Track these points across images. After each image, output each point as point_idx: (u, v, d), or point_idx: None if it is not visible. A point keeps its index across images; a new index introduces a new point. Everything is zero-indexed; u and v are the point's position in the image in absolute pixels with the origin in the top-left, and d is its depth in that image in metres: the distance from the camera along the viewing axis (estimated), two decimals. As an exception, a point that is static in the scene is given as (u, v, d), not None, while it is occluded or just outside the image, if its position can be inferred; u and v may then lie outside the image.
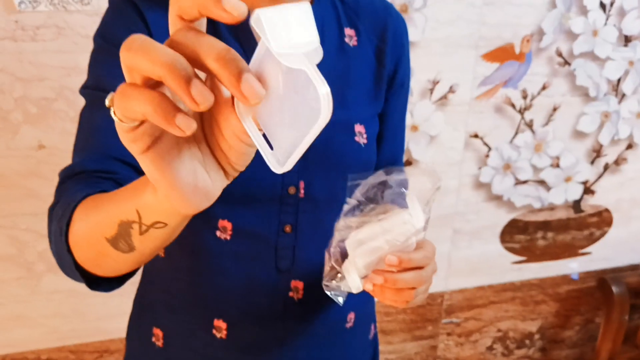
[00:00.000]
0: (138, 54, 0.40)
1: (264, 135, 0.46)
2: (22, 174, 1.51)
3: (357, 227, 0.79)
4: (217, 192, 0.51)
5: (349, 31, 0.95)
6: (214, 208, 0.85)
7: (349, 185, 0.80)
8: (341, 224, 0.79)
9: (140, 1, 0.84)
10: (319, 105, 0.39)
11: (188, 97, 0.39)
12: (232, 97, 0.44)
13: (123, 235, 0.59)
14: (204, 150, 0.49)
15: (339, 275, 0.79)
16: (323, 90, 0.39)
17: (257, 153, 0.86)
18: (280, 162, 0.45)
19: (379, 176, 0.79)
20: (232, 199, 0.86)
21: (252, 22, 0.40)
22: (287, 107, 0.43)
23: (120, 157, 0.76)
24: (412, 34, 1.65)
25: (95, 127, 0.79)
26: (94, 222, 0.63)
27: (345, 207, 0.80)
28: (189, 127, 0.41)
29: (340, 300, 0.81)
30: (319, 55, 0.41)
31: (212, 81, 0.44)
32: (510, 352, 2.37)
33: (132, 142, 0.44)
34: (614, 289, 2.18)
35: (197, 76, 0.40)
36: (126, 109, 0.41)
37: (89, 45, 0.85)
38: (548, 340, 2.39)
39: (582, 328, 2.41)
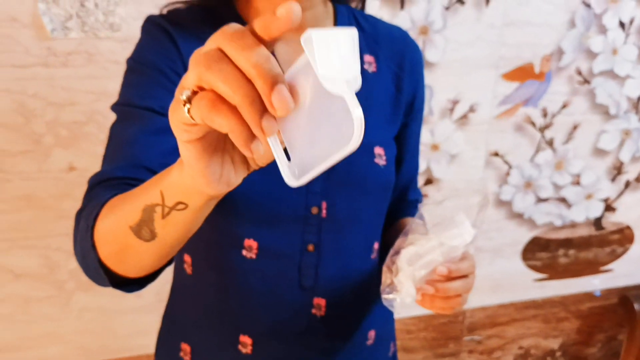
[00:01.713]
0: (243, 49, 0.41)
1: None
2: (54, 196, 1.54)
3: (411, 243, 0.84)
4: (238, 182, 0.54)
5: (368, 58, 0.97)
6: (240, 228, 0.89)
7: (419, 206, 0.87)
8: (406, 240, 0.85)
9: (173, 30, 0.87)
10: (350, 131, 0.40)
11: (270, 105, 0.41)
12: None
13: (146, 221, 0.62)
14: (234, 146, 0.52)
15: (396, 288, 0.84)
16: (359, 116, 0.39)
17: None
18: (296, 176, 0.47)
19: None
20: (258, 219, 0.88)
21: (303, 42, 0.41)
22: (315, 126, 0.44)
23: (149, 166, 0.78)
24: (433, 55, 1.68)
25: (124, 139, 0.81)
26: (120, 213, 0.66)
27: (412, 226, 0.85)
28: (259, 152, 0.44)
29: (395, 311, 0.86)
30: (358, 83, 0.41)
31: None
32: (533, 370, 2.36)
33: (184, 132, 0.47)
34: (636, 305, 2.17)
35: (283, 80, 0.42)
36: (209, 119, 0.43)
37: (119, 71, 0.88)
38: (570, 357, 2.38)
39: (605, 345, 2.39)
